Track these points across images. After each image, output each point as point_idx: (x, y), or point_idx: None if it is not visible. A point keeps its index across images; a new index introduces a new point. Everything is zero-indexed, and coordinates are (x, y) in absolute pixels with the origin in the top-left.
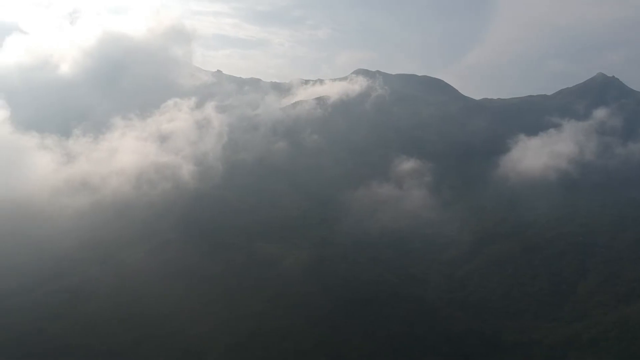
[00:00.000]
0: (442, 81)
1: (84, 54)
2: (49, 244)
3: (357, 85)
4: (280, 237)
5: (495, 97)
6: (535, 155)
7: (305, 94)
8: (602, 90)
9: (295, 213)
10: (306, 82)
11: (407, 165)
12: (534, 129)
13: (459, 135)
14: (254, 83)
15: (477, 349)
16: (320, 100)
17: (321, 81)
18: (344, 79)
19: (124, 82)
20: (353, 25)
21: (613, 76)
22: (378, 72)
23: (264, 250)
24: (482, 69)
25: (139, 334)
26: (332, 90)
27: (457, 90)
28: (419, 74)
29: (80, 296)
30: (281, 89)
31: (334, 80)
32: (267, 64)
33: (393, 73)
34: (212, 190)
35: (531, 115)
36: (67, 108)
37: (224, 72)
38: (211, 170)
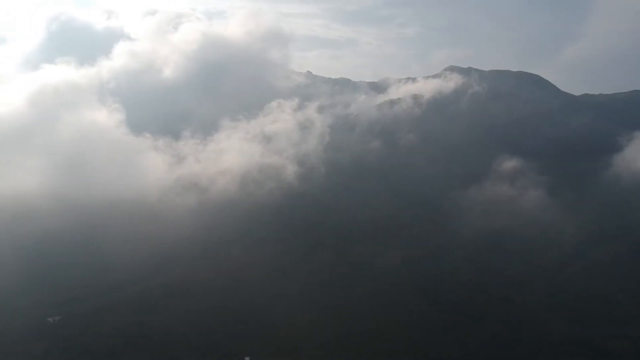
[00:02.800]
0: (539, 77)
1: (186, 58)
2: (155, 241)
3: (452, 82)
4: (373, 237)
5: (596, 93)
6: None
7: (398, 93)
8: None
9: (388, 213)
10: (398, 80)
11: (508, 164)
12: None
13: (560, 133)
14: (345, 83)
15: (579, 357)
16: (415, 98)
17: (413, 79)
18: (437, 76)
19: (225, 84)
20: (442, 21)
21: None
22: (471, 68)
23: (356, 250)
24: (580, 63)
25: (235, 329)
26: (425, 88)
27: (555, 86)
28: (513, 70)
29: (180, 291)
30: (374, 88)
31: (427, 77)
32: (355, 63)
33: (486, 69)
34: (313, 190)
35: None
36: (174, 110)
37: (313, 72)
38: (313, 171)
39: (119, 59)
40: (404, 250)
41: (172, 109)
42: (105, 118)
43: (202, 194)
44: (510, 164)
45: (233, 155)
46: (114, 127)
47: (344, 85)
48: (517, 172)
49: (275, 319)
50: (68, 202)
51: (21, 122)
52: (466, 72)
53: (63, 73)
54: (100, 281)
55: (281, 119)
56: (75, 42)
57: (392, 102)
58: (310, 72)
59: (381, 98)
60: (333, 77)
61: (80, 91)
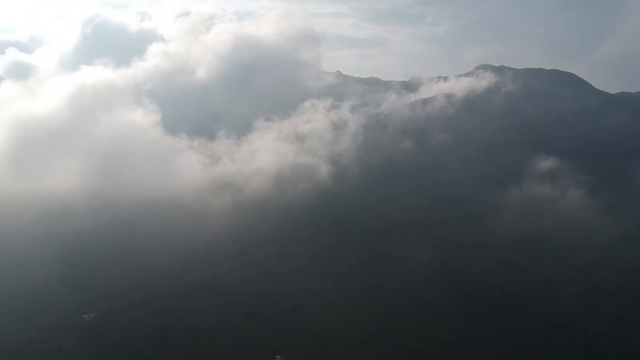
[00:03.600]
0: (574, 75)
1: (218, 59)
2: (189, 240)
3: (484, 81)
4: (404, 237)
5: (632, 91)
6: None
7: (430, 92)
8: None
9: (419, 213)
10: (430, 79)
11: (545, 164)
12: None
13: (596, 132)
14: (375, 82)
15: (615, 359)
16: (447, 97)
17: (445, 78)
18: (469, 74)
19: (257, 85)
20: (473, 19)
21: None
22: (503, 67)
23: (387, 250)
24: (615, 61)
25: (267, 328)
26: (457, 87)
27: (590, 84)
28: (547, 68)
29: (213, 289)
30: (405, 87)
31: (459, 76)
32: (385, 62)
33: (519, 67)
34: (345, 190)
35: None
36: (208, 111)
37: (343, 72)
38: (346, 170)
39: (153, 60)
40: (435, 250)
41: (206, 109)
42: (142, 118)
43: (236, 193)
44: (546, 163)
45: (267, 155)
46: (150, 128)
47: (374, 84)
48: (554, 172)
49: (307, 318)
50: (104, 201)
51: (60, 123)
52: (499, 70)
53: (100, 74)
54: (135, 279)
55: (314, 119)
56: (109, 44)
57: (425, 102)
58: (340, 72)
59: (412, 97)
60: (363, 76)
61: (118, 92)
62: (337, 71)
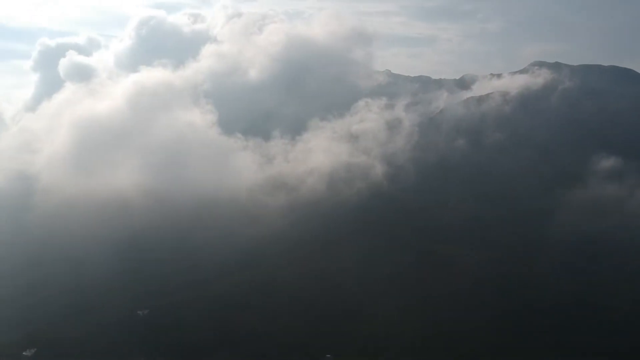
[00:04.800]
0: (633, 71)
1: (271, 59)
2: (244, 238)
3: (540, 78)
4: (457, 238)
5: None
6: None
7: (483, 89)
8: None
9: (473, 214)
10: (483, 76)
11: (605, 164)
12: None
13: None
14: (425, 81)
15: None
16: (503, 95)
17: (499, 75)
18: (524, 71)
19: (310, 84)
20: (527, 15)
21: None
22: (559, 63)
23: (440, 251)
24: None
25: (318, 328)
26: (512, 84)
27: None
28: (605, 64)
29: (266, 288)
30: (457, 85)
31: (513, 73)
32: (435, 60)
33: (575, 64)
34: (399, 190)
35: None
36: (262, 110)
37: (392, 71)
38: (401, 170)
39: (206, 61)
40: (489, 252)
41: (260, 109)
42: (199, 119)
43: (291, 193)
44: (608, 163)
45: (321, 155)
46: (207, 128)
47: (424, 83)
48: (617, 172)
49: (358, 318)
50: (162, 200)
51: (120, 123)
52: (554, 67)
53: (159, 75)
54: (189, 276)
55: (368, 118)
56: (164, 46)
57: (480, 99)
58: (390, 71)
59: (465, 95)
60: (412, 75)
61: (176, 92)
62: (386, 70)
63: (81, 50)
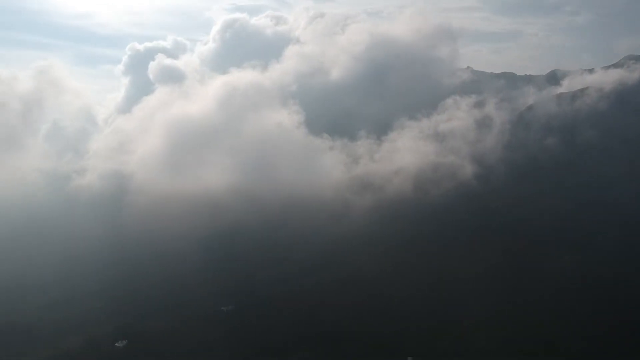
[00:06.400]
0: None
1: (355, 59)
2: (330, 238)
3: (636, 72)
4: (548, 241)
5: None
6: None
7: (574, 85)
8: None
9: (563, 216)
10: (573, 72)
11: None
12: None
13: None
14: (510, 77)
15: None
16: (597, 91)
17: (590, 70)
18: (618, 66)
19: (395, 83)
20: (618, 7)
21: None
22: None
23: (530, 253)
24: None
25: (401, 328)
26: (605, 79)
27: None
28: None
29: (349, 287)
30: (546, 81)
31: (606, 68)
32: (519, 56)
33: None
34: (489, 191)
35: None
36: (347, 110)
37: (474, 68)
38: (491, 170)
39: (290, 62)
40: (579, 254)
41: (345, 109)
42: (287, 119)
43: (377, 193)
44: None
45: (407, 155)
46: (294, 128)
47: (510, 79)
48: None
49: (442, 319)
50: (251, 199)
51: (211, 124)
52: None
53: (249, 76)
54: (273, 273)
55: (456, 117)
56: (248, 47)
57: (573, 96)
58: (471, 68)
59: (555, 91)
60: (496, 72)
61: (265, 93)
62: (468, 67)
63: (168, 53)
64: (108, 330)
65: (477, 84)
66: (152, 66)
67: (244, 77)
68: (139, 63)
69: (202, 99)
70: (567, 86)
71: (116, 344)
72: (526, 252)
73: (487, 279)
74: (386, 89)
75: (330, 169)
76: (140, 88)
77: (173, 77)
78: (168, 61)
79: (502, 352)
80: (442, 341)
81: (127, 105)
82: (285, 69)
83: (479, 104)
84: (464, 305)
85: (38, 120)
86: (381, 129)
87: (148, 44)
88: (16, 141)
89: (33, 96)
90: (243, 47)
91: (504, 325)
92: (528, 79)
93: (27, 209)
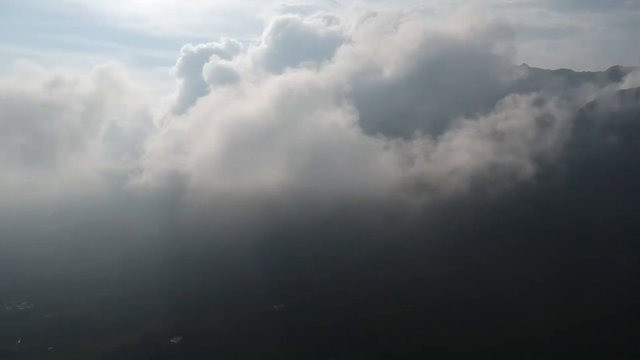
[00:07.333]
0: None
1: (408, 58)
2: (383, 238)
3: None
4: (609, 242)
5: None
6: None
7: (634, 81)
8: None
9: (626, 217)
10: (636, 68)
11: None
12: None
13: None
14: (567, 74)
15: None
16: None
17: None
18: None
19: (449, 82)
20: None
21: None
22: None
23: (591, 255)
24: None
25: (454, 331)
26: None
27: None
28: None
29: (400, 287)
30: (607, 77)
31: None
32: (576, 52)
33: None
34: (549, 192)
35: None
36: (402, 110)
37: (529, 65)
38: (552, 170)
39: (342, 62)
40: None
41: (399, 108)
42: (341, 119)
43: (432, 193)
44: None
45: (464, 154)
46: (349, 128)
47: (567, 76)
48: None
49: (498, 321)
50: (305, 198)
51: (267, 123)
52: None
53: (302, 76)
54: (326, 273)
55: (514, 115)
56: (301, 48)
57: (637, 93)
58: (527, 65)
59: (615, 88)
60: (552, 68)
61: (320, 93)
62: (524, 64)
63: (222, 54)
64: (164, 326)
65: (534, 82)
66: (207, 67)
67: (299, 77)
68: (192, 64)
69: (257, 99)
70: (629, 83)
71: (171, 340)
72: (589, 254)
73: (546, 282)
74: (441, 88)
75: (385, 169)
76: (195, 89)
77: (227, 77)
78: (222, 62)
79: (561, 354)
80: (497, 342)
81: (182, 106)
82: (338, 68)
83: (538, 102)
84: (521, 307)
85: (98, 121)
86: (437, 128)
87: (202, 46)
88: (77, 142)
89: (94, 98)
90: (295, 47)
91: (561, 327)
92: (587, 76)
93: (87, 209)
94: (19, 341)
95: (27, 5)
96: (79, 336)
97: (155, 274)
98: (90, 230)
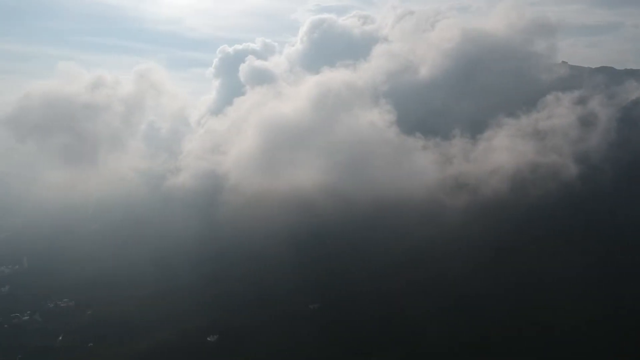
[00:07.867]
0: None
1: (447, 56)
2: (420, 238)
3: None
4: None
5: None
6: None
7: None
8: None
9: None
10: None
11: None
12: None
13: None
14: (609, 71)
15: None
16: None
17: None
18: None
19: (487, 81)
20: None
21: None
22: None
23: (631, 259)
24: None
25: (490, 333)
26: None
27: None
28: None
29: (436, 288)
30: None
31: None
32: (618, 49)
33: None
34: (592, 193)
35: None
36: (440, 109)
37: (569, 63)
38: (596, 171)
39: (379, 61)
40: None
41: (437, 107)
42: (378, 118)
43: (471, 193)
44: None
45: (504, 154)
46: (386, 127)
47: (609, 74)
48: None
49: (534, 323)
50: (342, 198)
51: (304, 123)
52: None
53: (339, 76)
54: (361, 273)
55: (556, 114)
56: (337, 47)
57: None
58: (567, 63)
59: None
60: (592, 66)
61: (357, 93)
62: (563, 62)
63: (258, 55)
64: (201, 324)
65: (575, 80)
66: (243, 68)
67: (335, 76)
68: (229, 65)
69: (294, 99)
70: None
71: (208, 338)
72: (634, 259)
73: (587, 287)
74: (480, 86)
75: (423, 169)
76: (231, 89)
77: (263, 78)
78: (258, 63)
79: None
80: (533, 344)
81: (219, 107)
82: (375, 68)
83: (581, 100)
84: (560, 313)
85: (137, 122)
86: (476, 128)
87: (238, 47)
88: (117, 142)
89: (133, 99)
90: (331, 47)
91: (600, 331)
92: (630, 73)
93: (126, 207)
94: (60, 337)
95: (68, 10)
96: (119, 332)
97: (192, 272)
98: (128, 228)
